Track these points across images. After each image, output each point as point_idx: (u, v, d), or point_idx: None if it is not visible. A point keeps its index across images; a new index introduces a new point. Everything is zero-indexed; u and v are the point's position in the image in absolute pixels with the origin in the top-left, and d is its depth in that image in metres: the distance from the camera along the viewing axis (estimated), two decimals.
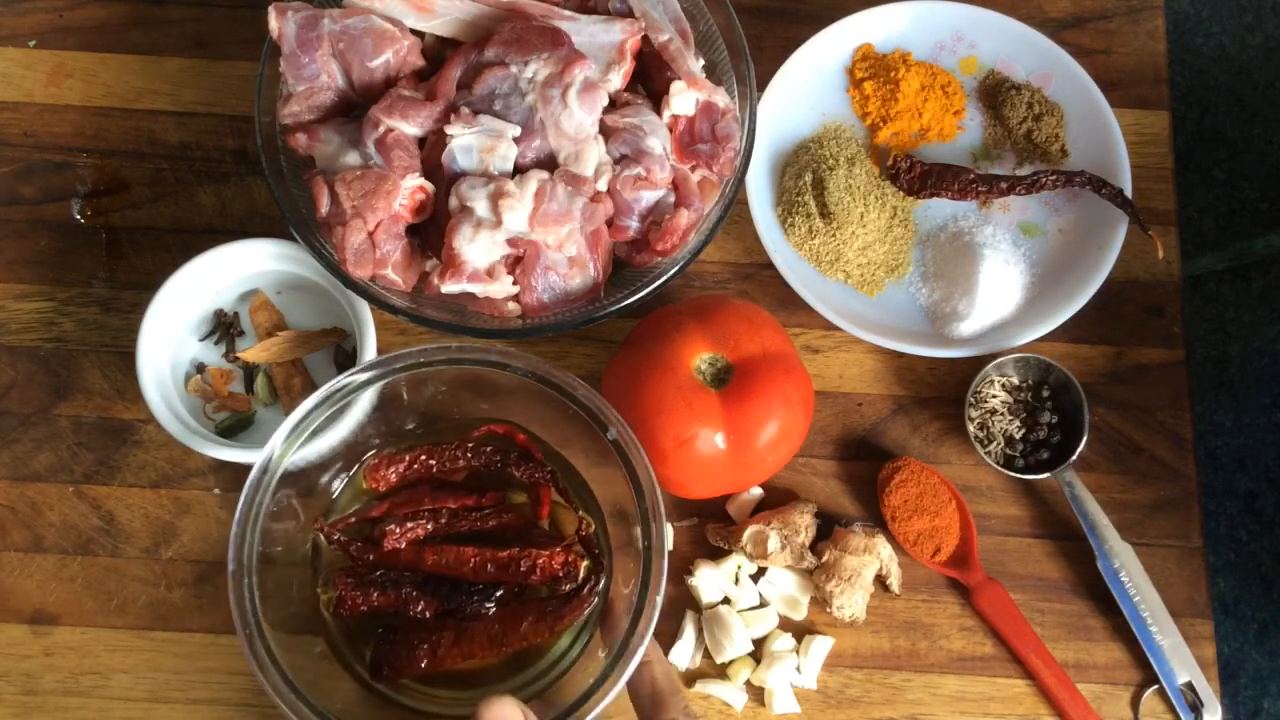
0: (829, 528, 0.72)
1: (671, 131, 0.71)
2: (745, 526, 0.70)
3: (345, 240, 0.66)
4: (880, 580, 0.72)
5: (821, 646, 0.70)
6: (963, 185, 0.75)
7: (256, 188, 0.79)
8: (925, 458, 0.74)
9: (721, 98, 0.71)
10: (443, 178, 0.68)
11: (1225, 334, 1.53)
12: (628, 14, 0.72)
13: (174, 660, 0.71)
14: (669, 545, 0.70)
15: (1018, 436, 0.73)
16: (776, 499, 0.73)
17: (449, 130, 0.67)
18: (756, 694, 0.70)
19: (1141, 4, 0.84)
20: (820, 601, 0.71)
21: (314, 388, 0.71)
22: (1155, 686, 0.70)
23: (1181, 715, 0.69)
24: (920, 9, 0.80)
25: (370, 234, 0.66)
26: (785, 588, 0.71)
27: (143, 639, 0.71)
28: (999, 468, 0.72)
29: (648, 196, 0.69)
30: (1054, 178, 0.74)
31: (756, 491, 0.73)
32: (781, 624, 0.71)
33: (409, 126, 0.67)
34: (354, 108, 0.71)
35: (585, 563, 0.66)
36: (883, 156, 0.77)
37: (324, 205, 0.67)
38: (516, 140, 0.67)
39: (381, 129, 0.67)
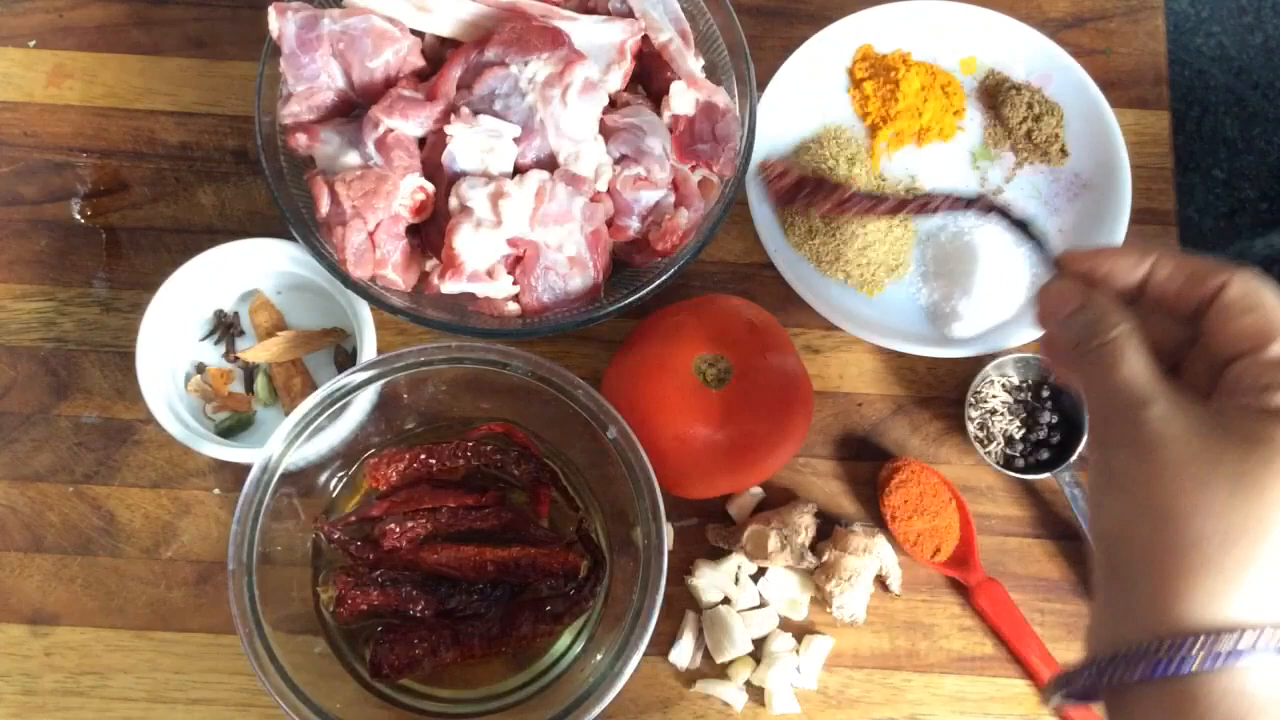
0: (829, 528, 0.72)
1: (671, 131, 0.71)
2: (745, 526, 0.70)
3: (345, 240, 0.66)
4: (880, 580, 0.72)
5: (821, 646, 0.70)
6: (840, 201, 0.60)
7: (256, 188, 0.79)
8: (925, 458, 0.74)
9: (721, 98, 0.71)
10: (443, 178, 0.68)
11: None
12: (628, 14, 0.72)
13: (174, 660, 0.71)
14: (669, 545, 0.70)
15: (1018, 436, 0.73)
16: (776, 499, 0.73)
17: (449, 130, 0.67)
18: (756, 694, 0.70)
19: (1141, 4, 0.84)
20: (820, 601, 0.71)
21: (314, 388, 0.71)
22: None
23: None
24: (920, 9, 0.80)
25: (370, 234, 0.66)
26: (785, 588, 0.71)
27: (143, 639, 0.71)
28: (999, 468, 0.72)
29: (648, 196, 0.69)
30: (949, 200, 0.57)
31: (756, 491, 0.73)
32: (781, 624, 0.71)
33: (409, 126, 0.67)
34: (354, 108, 0.71)
35: (585, 562, 0.66)
36: (759, 169, 0.65)
37: (324, 205, 0.67)
38: (516, 140, 0.67)
39: (381, 129, 0.67)
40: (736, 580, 0.71)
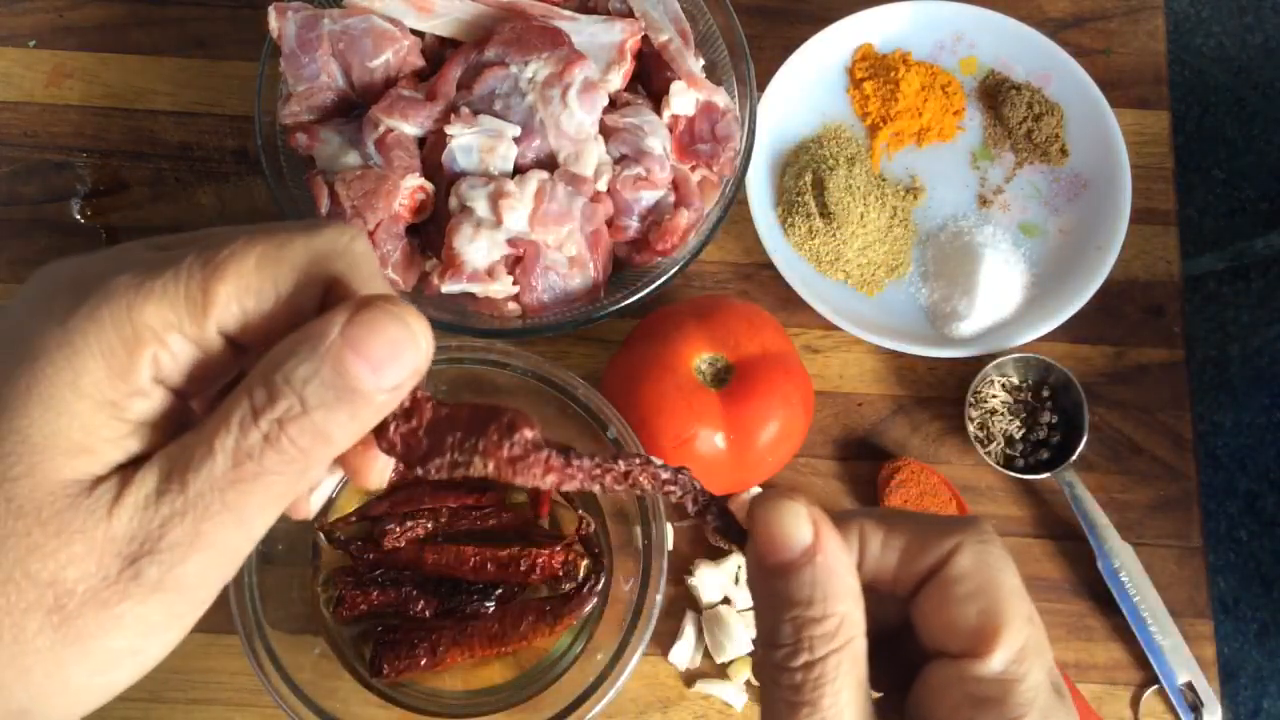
0: None
1: (671, 131, 0.71)
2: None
3: None
4: None
5: None
6: (512, 459, 0.34)
7: (256, 188, 0.79)
8: (925, 458, 0.74)
9: (721, 98, 0.71)
10: (443, 178, 0.68)
11: (1225, 334, 1.53)
12: (628, 14, 0.72)
13: (174, 660, 0.70)
14: (669, 545, 0.70)
15: (1018, 436, 0.73)
16: None
17: (449, 130, 0.67)
18: (757, 694, 0.70)
19: (1141, 4, 0.84)
20: None
21: None
22: (1155, 686, 0.70)
23: (1181, 715, 0.69)
24: (920, 9, 0.80)
25: (370, 234, 0.66)
26: None
27: None
28: (999, 468, 0.72)
29: (648, 196, 0.69)
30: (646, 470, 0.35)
31: (756, 491, 0.73)
32: None
33: (409, 126, 0.67)
34: (354, 108, 0.71)
35: (585, 562, 0.66)
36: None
37: (324, 205, 0.67)
38: (516, 140, 0.67)
39: (381, 129, 0.67)
40: (736, 580, 0.71)
